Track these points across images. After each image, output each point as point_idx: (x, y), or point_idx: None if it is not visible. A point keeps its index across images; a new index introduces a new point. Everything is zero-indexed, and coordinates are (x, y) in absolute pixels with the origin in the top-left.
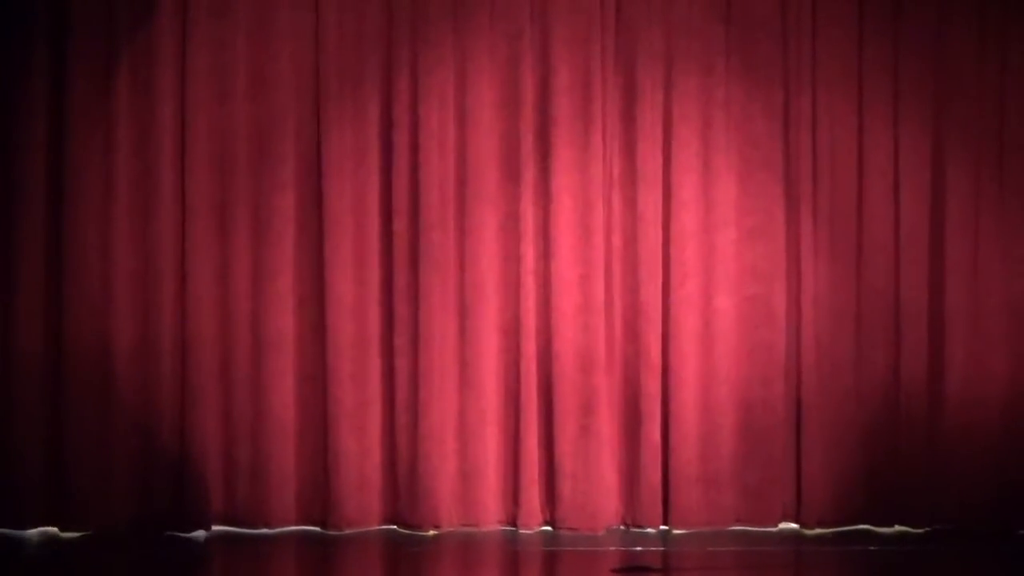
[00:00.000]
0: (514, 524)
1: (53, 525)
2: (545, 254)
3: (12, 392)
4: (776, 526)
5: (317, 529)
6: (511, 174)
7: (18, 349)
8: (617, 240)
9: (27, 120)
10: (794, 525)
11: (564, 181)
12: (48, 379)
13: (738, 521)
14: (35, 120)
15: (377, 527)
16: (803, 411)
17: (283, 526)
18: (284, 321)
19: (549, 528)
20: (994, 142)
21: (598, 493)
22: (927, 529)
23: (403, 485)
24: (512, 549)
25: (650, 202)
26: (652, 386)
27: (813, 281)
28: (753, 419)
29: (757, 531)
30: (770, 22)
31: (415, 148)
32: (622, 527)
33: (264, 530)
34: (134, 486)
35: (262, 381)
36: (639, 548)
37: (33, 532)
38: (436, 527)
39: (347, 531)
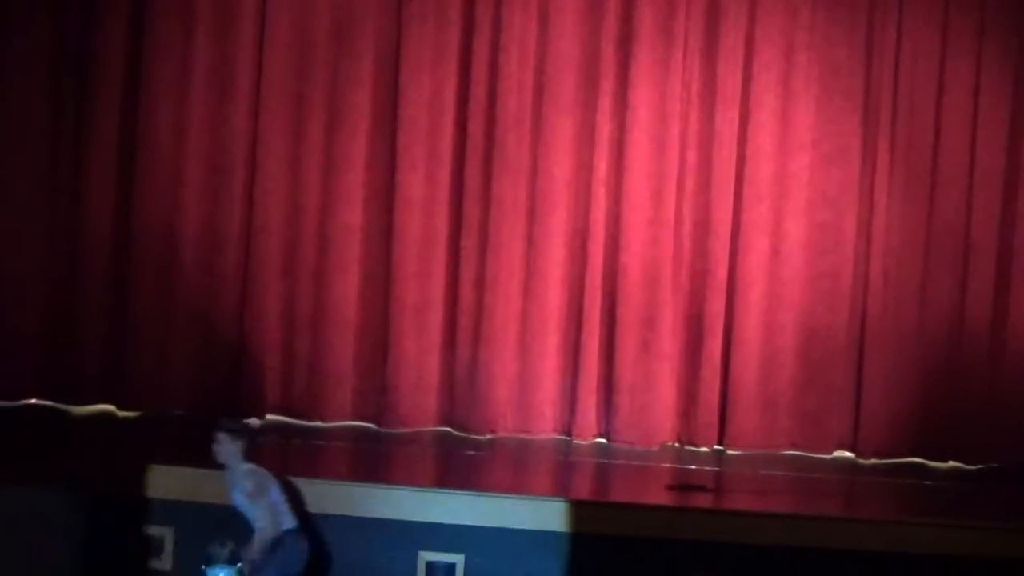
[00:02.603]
0: (569, 434)
1: (111, 403)
2: (618, 166)
3: (78, 269)
4: (831, 454)
5: (372, 426)
6: (589, 83)
7: (87, 228)
8: (691, 157)
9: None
10: (849, 454)
11: (642, 94)
12: (115, 259)
13: (793, 446)
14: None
15: (432, 428)
16: (866, 341)
17: (338, 420)
18: (352, 216)
19: (604, 440)
20: None
21: (655, 409)
22: (980, 466)
23: (460, 388)
24: (566, 459)
25: (727, 121)
26: (716, 305)
27: (885, 212)
28: (815, 345)
29: (811, 457)
30: None
31: (495, 50)
32: (677, 444)
33: (319, 423)
34: (192, 370)
35: (325, 275)
36: (693, 466)
37: (91, 409)
38: (492, 432)
39: (401, 430)
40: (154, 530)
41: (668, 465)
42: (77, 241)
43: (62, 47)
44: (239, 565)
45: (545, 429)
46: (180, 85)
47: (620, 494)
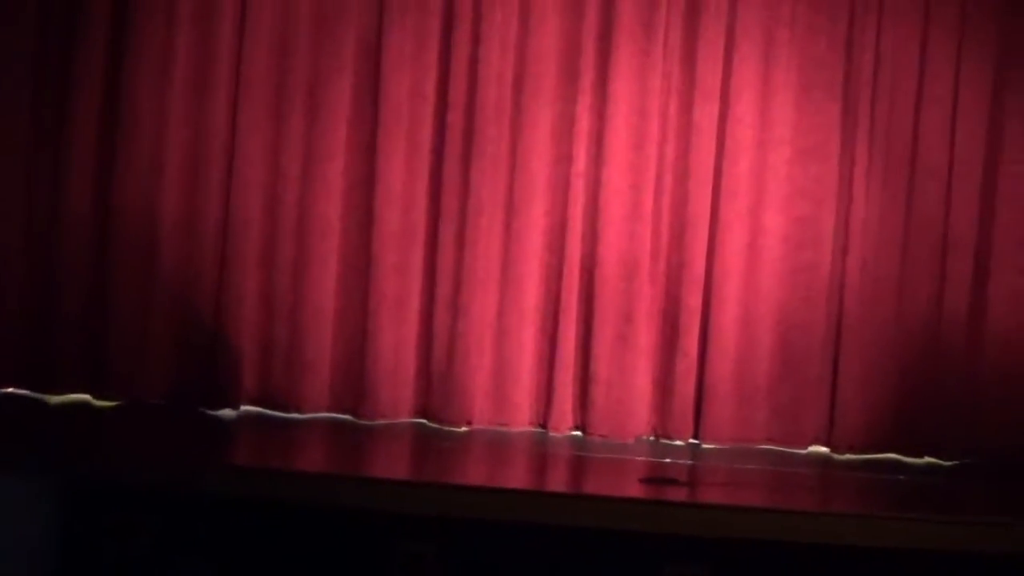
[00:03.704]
0: (545, 426)
1: (87, 392)
2: (597, 159)
3: (56, 257)
4: (806, 448)
5: (348, 417)
6: (569, 76)
7: (66, 210)
8: (670, 150)
9: None
10: (824, 449)
11: (622, 87)
12: (93, 244)
13: (769, 440)
14: None
15: (408, 419)
16: (842, 336)
17: (315, 412)
18: (331, 206)
19: (579, 433)
20: None
21: (631, 401)
22: (956, 463)
23: (437, 379)
24: (541, 451)
25: (706, 115)
26: (693, 299)
27: (863, 206)
28: (791, 340)
29: (787, 451)
30: None
31: (476, 42)
32: (652, 437)
33: (295, 414)
34: (169, 360)
35: (304, 265)
36: (667, 459)
37: (67, 398)
38: (468, 423)
39: (379, 421)
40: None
41: (642, 458)
42: (56, 231)
43: (45, 37)
44: None
45: (521, 421)
46: (160, 74)
47: (593, 486)
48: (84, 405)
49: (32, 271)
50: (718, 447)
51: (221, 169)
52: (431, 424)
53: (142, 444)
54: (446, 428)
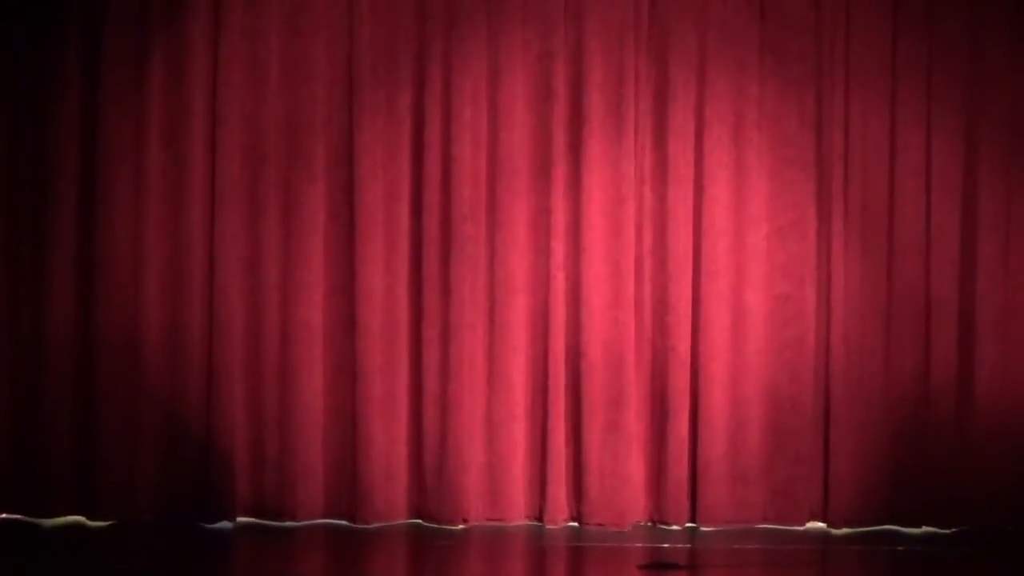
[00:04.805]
0: (540, 519)
1: (80, 514)
2: (575, 249)
3: (42, 379)
4: (803, 525)
5: (344, 522)
6: (542, 169)
7: (48, 336)
8: (647, 236)
9: (60, 108)
10: (821, 524)
11: (595, 176)
12: (78, 367)
13: (765, 519)
14: (68, 108)
15: (404, 521)
16: (832, 409)
17: (310, 519)
18: (313, 312)
19: (575, 523)
20: None
21: (625, 489)
22: (955, 530)
23: (430, 479)
24: (539, 544)
25: (681, 199)
26: (680, 382)
27: (843, 279)
28: (781, 417)
29: (784, 529)
30: (804, 19)
31: (447, 141)
32: (648, 523)
33: (290, 523)
34: (161, 476)
35: (290, 372)
36: (665, 544)
37: (60, 520)
38: (464, 521)
39: (374, 524)
40: None
41: (640, 545)
42: (39, 354)
43: (15, 160)
44: None
45: (516, 516)
46: (135, 190)
47: None
48: (78, 527)
49: (17, 395)
50: (715, 529)
51: (201, 281)
52: (427, 524)
53: (140, 563)
54: (443, 527)
